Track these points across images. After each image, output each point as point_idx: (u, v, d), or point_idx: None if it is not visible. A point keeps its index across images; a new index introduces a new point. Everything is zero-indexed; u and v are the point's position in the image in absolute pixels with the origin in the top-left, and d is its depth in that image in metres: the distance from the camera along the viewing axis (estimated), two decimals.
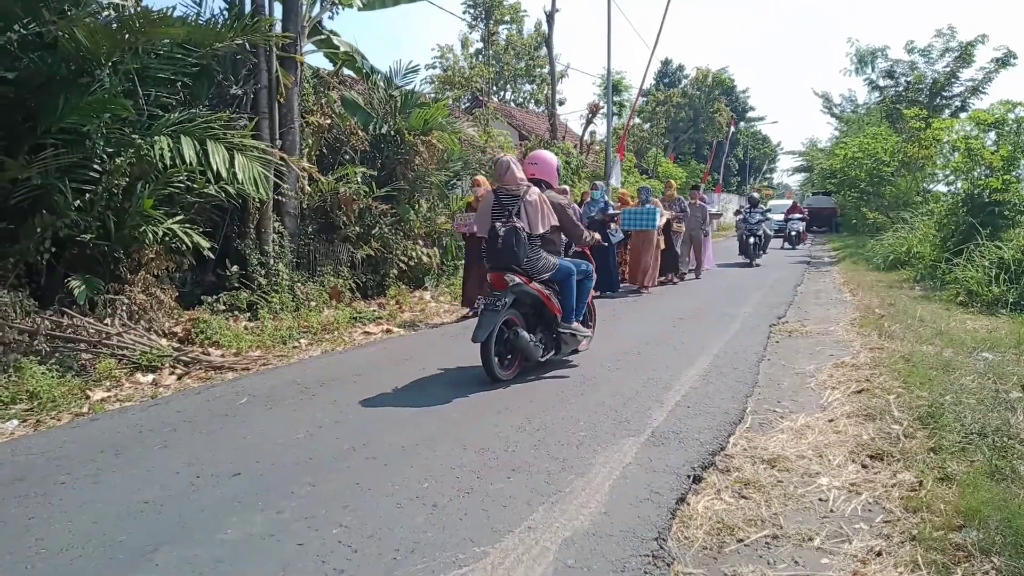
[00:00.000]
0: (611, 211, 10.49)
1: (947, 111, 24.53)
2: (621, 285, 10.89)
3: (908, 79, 25.64)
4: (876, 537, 2.80)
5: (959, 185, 12.40)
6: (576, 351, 5.89)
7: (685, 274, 12.77)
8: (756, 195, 17.03)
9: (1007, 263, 8.76)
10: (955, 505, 2.93)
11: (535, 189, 5.31)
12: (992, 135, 11.81)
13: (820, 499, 3.16)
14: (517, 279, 5.09)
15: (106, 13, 7.28)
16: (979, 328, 7.04)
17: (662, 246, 11.39)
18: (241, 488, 3.21)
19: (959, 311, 8.26)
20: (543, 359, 5.46)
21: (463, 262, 9.27)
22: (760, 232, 15.62)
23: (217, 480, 3.32)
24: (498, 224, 5.11)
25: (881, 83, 26.78)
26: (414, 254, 10.06)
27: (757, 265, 15.01)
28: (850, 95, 31.59)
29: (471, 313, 8.12)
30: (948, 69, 24.69)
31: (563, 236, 5.74)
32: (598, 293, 9.47)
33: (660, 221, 10.89)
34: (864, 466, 3.53)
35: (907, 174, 19.01)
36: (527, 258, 5.13)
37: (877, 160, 19.56)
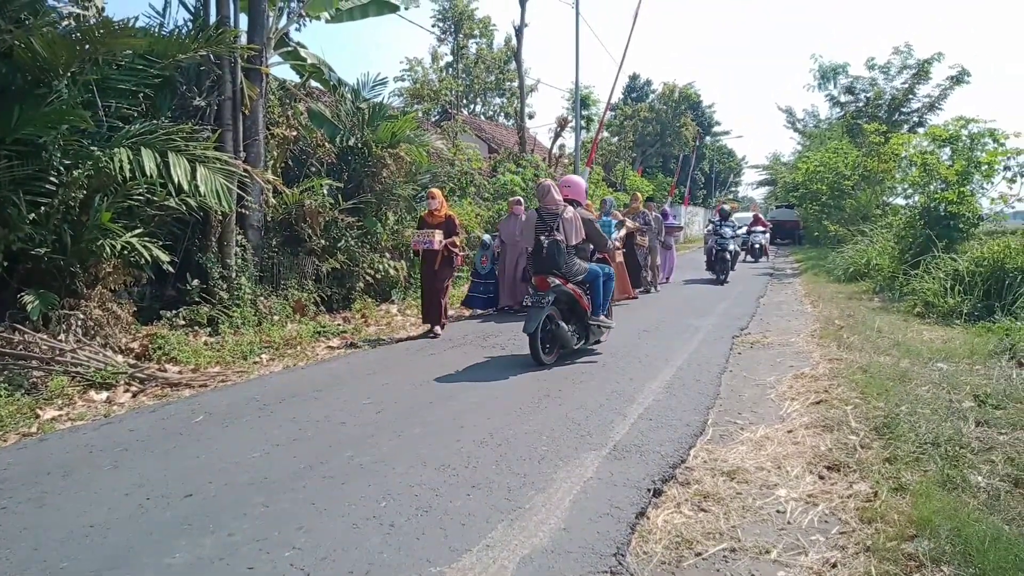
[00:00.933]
0: None
1: (905, 126, 25.22)
2: None
3: (868, 95, 26.35)
4: (832, 549, 2.83)
5: (916, 199, 12.73)
6: (599, 341, 6.97)
7: (648, 289, 12.66)
8: (727, 207, 16.02)
9: (962, 275, 8.99)
10: (908, 515, 2.99)
11: (570, 208, 6.47)
12: (947, 150, 12.14)
13: (778, 511, 3.19)
14: (557, 281, 6.21)
15: (65, 23, 7.16)
16: (935, 338, 7.20)
17: (620, 258, 10.99)
18: (192, 510, 3.13)
19: (916, 322, 8.44)
20: (576, 347, 6.56)
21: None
22: (732, 248, 14.47)
23: (167, 502, 3.23)
24: (542, 237, 6.27)
25: (842, 99, 27.47)
26: (381, 267, 10.00)
27: (726, 282, 13.98)
28: (813, 110, 32.41)
29: (427, 330, 8.06)
30: (906, 85, 25.43)
31: (590, 245, 6.85)
32: None
33: (619, 234, 10.74)
34: (821, 477, 3.58)
35: (867, 188, 19.46)
36: (565, 264, 6.24)
37: (838, 174, 20.01)
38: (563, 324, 6.34)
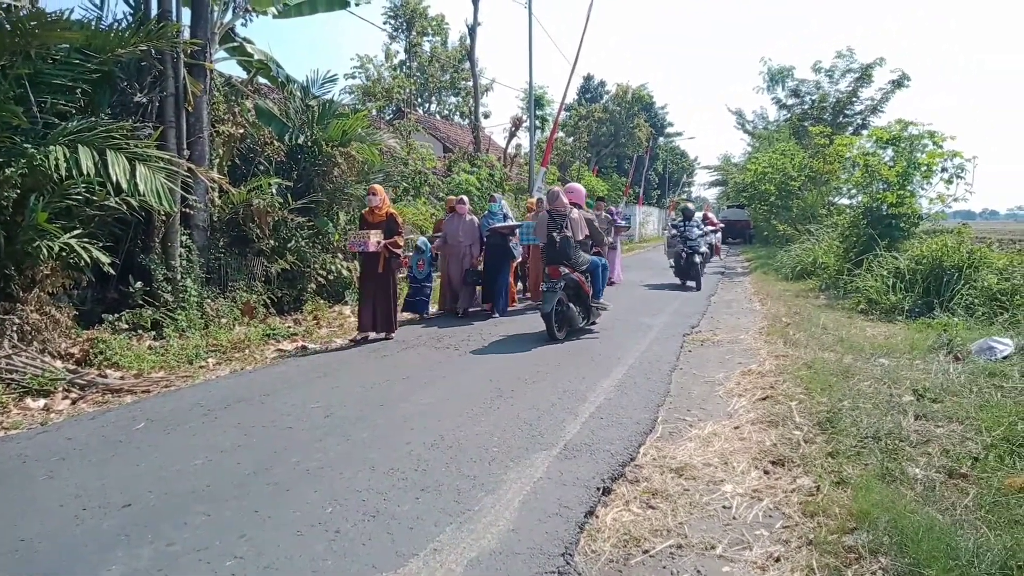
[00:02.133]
0: (510, 222, 10.08)
1: (849, 128, 26.04)
2: (523, 301, 10.72)
3: (813, 98, 27.09)
4: (775, 543, 2.88)
5: (859, 199, 13.13)
6: (595, 322, 8.19)
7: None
8: (690, 206, 14.72)
9: (903, 272, 9.31)
10: (849, 508, 3.07)
11: (575, 209, 7.87)
12: (889, 151, 12.55)
13: (724, 506, 3.24)
14: (566, 270, 7.46)
15: None
16: (877, 335, 7.43)
17: None
18: (130, 520, 3.02)
19: (860, 318, 8.70)
20: (581, 325, 7.89)
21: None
22: (703, 249, 13.21)
23: (105, 512, 3.11)
24: (555, 234, 7.50)
25: (788, 102, 28.19)
26: (333, 268, 9.84)
27: (694, 288, 12.66)
28: (762, 112, 33.11)
29: (361, 337, 7.64)
30: (850, 89, 26.23)
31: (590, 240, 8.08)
32: (497, 314, 9.43)
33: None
34: (766, 472, 3.65)
35: (813, 188, 20.00)
36: (574, 256, 7.52)
37: (785, 175, 20.50)
38: (571, 306, 7.61)
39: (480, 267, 9.70)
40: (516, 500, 3.24)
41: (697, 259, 12.80)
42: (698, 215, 14.27)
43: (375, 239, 7.34)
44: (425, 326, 8.75)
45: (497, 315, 9.46)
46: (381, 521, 3.00)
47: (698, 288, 12.47)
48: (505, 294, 9.85)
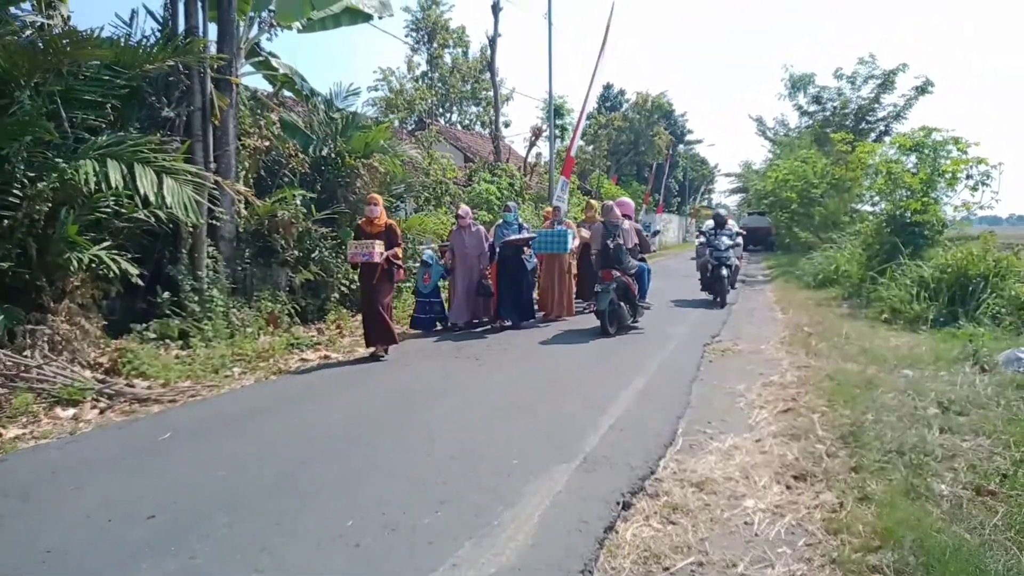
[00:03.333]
0: (526, 234, 9.75)
1: (872, 135, 25.69)
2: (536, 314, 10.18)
3: (835, 105, 26.80)
4: (798, 561, 2.86)
5: (883, 206, 12.97)
6: (637, 320, 9.06)
7: None
8: (724, 212, 12.96)
9: (927, 281, 9.18)
10: (873, 526, 3.03)
11: (627, 220, 9.08)
12: (913, 158, 12.39)
13: (746, 522, 3.22)
14: (618, 273, 8.43)
15: (28, 32, 7.04)
16: (901, 345, 7.33)
17: (574, 271, 10.71)
18: (155, 531, 3.08)
19: (883, 328, 8.59)
20: (628, 323, 8.81)
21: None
22: (733, 261, 11.71)
23: (130, 523, 3.17)
24: (608, 242, 8.50)
25: (810, 109, 27.91)
26: (356, 278, 9.92)
27: (723, 304, 11.33)
28: (783, 118, 32.75)
29: (371, 353, 7.29)
30: (872, 95, 25.91)
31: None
32: (509, 323, 9.20)
33: (573, 244, 10.21)
34: (788, 487, 3.62)
35: (835, 195, 19.76)
36: (624, 261, 8.51)
37: (807, 182, 20.29)
38: (621, 304, 8.57)
39: (488, 279, 9.36)
40: (536, 514, 3.25)
41: (724, 272, 11.37)
42: (731, 223, 13.07)
43: (379, 249, 7.05)
44: (439, 339, 8.55)
45: (510, 325, 9.25)
46: (401, 534, 3.03)
47: (721, 305, 11.20)
48: (530, 307, 9.74)
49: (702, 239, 12.38)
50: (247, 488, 3.58)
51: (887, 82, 25.23)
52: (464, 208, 9.67)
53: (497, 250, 9.41)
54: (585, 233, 10.67)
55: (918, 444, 4.01)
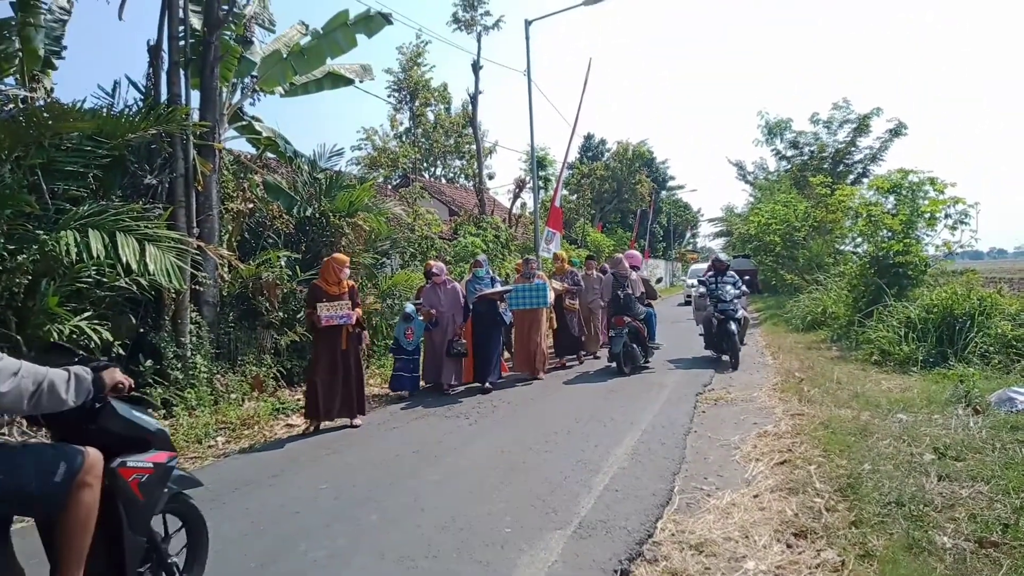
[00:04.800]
0: (499, 287, 9.32)
1: (850, 176, 26.29)
2: (506, 373, 9.65)
3: (812, 149, 27.47)
4: None
5: (865, 247, 13.14)
6: (648, 361, 9.91)
7: (583, 354, 11.24)
8: (724, 256, 11.26)
9: (914, 322, 9.23)
10: None
11: (634, 272, 10.12)
12: (891, 199, 12.61)
13: None
14: (629, 319, 9.41)
15: (11, 106, 7.09)
16: (893, 388, 7.32)
17: (554, 325, 10.34)
18: None
19: (874, 370, 8.58)
20: (640, 363, 9.65)
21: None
22: (740, 314, 10.07)
23: None
24: (619, 292, 9.60)
25: (788, 153, 28.58)
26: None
27: (735, 365, 9.60)
28: (762, 163, 33.44)
29: (311, 427, 6.76)
30: (848, 139, 26.61)
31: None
32: (489, 386, 8.64)
33: (551, 296, 9.76)
34: (789, 545, 3.53)
35: (818, 237, 20.04)
36: (634, 308, 9.54)
37: (789, 225, 20.58)
38: (634, 346, 9.50)
39: (463, 339, 8.79)
40: None
41: (733, 327, 9.70)
42: (700, 266, 12.41)
43: (356, 311, 6.85)
44: (422, 400, 8.29)
45: (490, 386, 8.70)
46: None
47: (734, 366, 9.54)
48: (497, 363, 9.08)
49: (701, 289, 11.05)
50: (230, 571, 3.44)
51: (862, 126, 25.99)
52: (438, 264, 9.28)
53: (471, 307, 8.90)
54: (558, 285, 10.47)
55: (917, 493, 3.95)
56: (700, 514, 4.03)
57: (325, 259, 7.24)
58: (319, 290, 6.83)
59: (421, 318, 8.70)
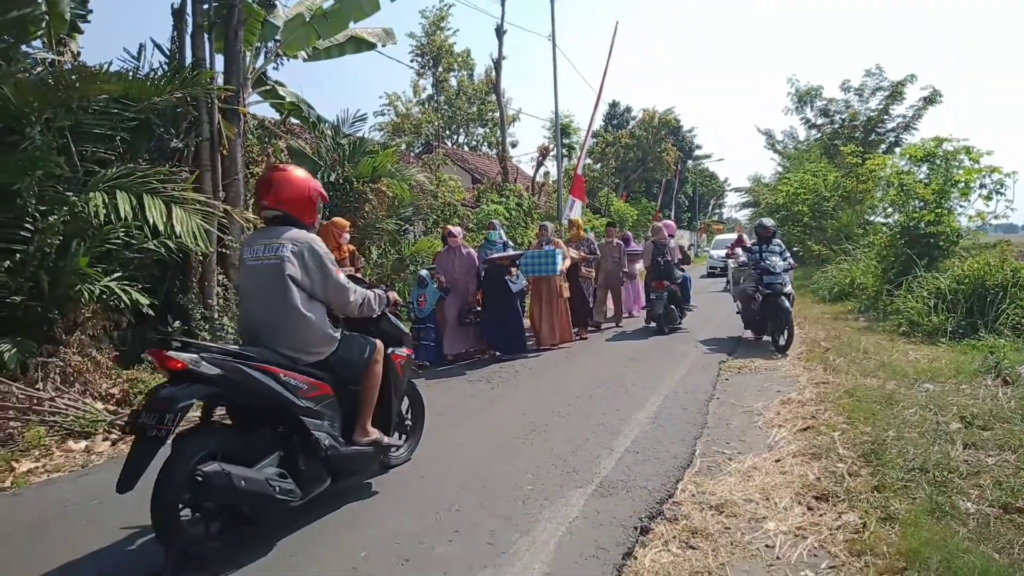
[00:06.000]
0: (510, 251, 9.14)
1: (882, 146, 25.66)
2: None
3: (843, 117, 26.80)
4: None
5: (896, 218, 12.87)
6: (681, 322, 10.82)
7: (601, 324, 11.21)
8: (768, 222, 9.38)
9: (944, 293, 9.06)
10: (897, 546, 2.94)
11: (672, 239, 11.17)
12: (924, 169, 12.31)
13: (767, 545, 3.13)
14: (668, 283, 10.31)
15: (40, 69, 7.15)
16: (920, 358, 7.21)
17: (566, 294, 9.71)
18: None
19: (901, 341, 8.47)
20: (678, 323, 10.69)
21: None
22: (790, 290, 8.59)
23: (147, 556, 3.13)
24: (659, 259, 10.48)
25: (818, 122, 27.93)
26: None
27: (782, 350, 8.19)
28: (791, 131, 32.78)
29: None
30: (881, 107, 25.91)
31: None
32: (498, 353, 8.59)
33: (563, 264, 9.38)
34: (810, 508, 3.53)
35: (847, 207, 19.66)
36: (672, 273, 10.43)
37: (818, 195, 20.19)
38: (672, 308, 10.44)
39: (477, 307, 8.75)
40: (551, 542, 3.18)
41: (786, 303, 8.29)
42: (726, 236, 12.46)
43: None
44: (441, 367, 8.29)
45: (499, 355, 8.60)
46: (415, 565, 2.97)
47: (784, 349, 8.15)
48: (520, 337, 8.86)
49: (741, 258, 9.66)
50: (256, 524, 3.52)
51: (895, 93, 25.27)
52: (456, 228, 9.19)
53: (482, 273, 8.79)
54: (574, 253, 10.11)
55: (941, 461, 3.92)
56: (721, 477, 4.04)
57: (324, 223, 7.14)
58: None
59: (435, 285, 8.57)
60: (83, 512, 3.79)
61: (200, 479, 2.85)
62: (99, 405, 5.91)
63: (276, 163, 9.37)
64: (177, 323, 7.29)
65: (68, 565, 3.11)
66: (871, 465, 3.98)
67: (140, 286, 6.68)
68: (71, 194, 6.25)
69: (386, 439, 3.91)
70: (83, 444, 5.22)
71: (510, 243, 9.67)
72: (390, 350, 4.00)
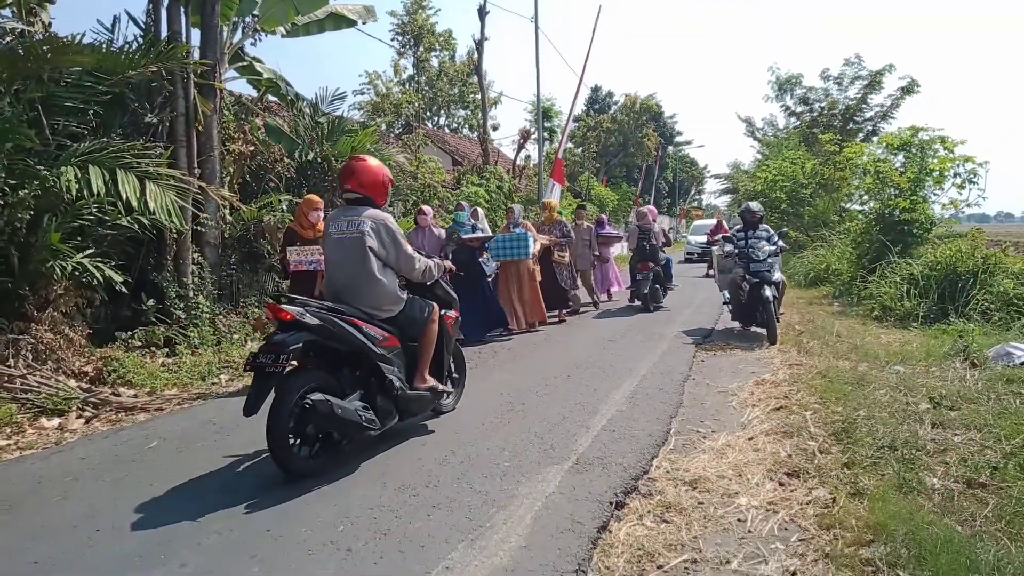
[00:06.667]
0: (480, 233, 8.89)
1: (860, 135, 25.90)
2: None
3: (822, 105, 27.01)
4: (791, 556, 2.83)
5: (872, 205, 13.04)
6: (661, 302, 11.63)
7: (567, 311, 10.68)
8: (754, 205, 9.01)
9: (916, 278, 9.22)
10: (866, 520, 3.02)
11: (656, 224, 11.89)
12: (901, 157, 12.46)
13: (739, 520, 3.19)
14: (653, 264, 11.06)
15: (8, 39, 6.96)
16: (892, 342, 7.35)
17: (539, 277, 9.57)
18: (143, 541, 3.02)
19: (874, 325, 8.62)
20: (661, 301, 11.58)
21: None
22: (776, 277, 8.13)
23: (118, 533, 3.11)
24: (644, 243, 11.18)
25: (797, 109, 28.11)
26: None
27: (773, 339, 7.70)
28: (771, 119, 32.92)
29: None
30: (859, 96, 26.14)
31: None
32: (464, 337, 7.73)
33: (534, 248, 9.23)
34: (781, 484, 3.60)
35: (824, 195, 19.85)
36: (657, 256, 11.23)
37: (796, 182, 20.36)
38: (657, 287, 11.29)
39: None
40: (528, 516, 3.21)
41: (768, 293, 7.78)
42: (704, 222, 12.88)
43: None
44: None
45: (465, 337, 7.89)
46: (393, 539, 2.99)
47: (772, 340, 7.70)
48: (497, 314, 8.76)
49: (728, 247, 8.74)
50: (237, 496, 3.52)
51: (874, 83, 25.51)
52: (427, 207, 9.06)
53: (448, 255, 8.26)
54: (544, 238, 9.97)
55: (910, 439, 4.01)
56: (695, 454, 4.10)
57: (299, 201, 7.00)
58: (293, 234, 6.53)
59: None
60: (57, 488, 3.76)
61: (308, 406, 3.55)
62: (72, 383, 5.84)
63: (253, 139, 9.25)
64: (151, 301, 7.20)
65: (41, 539, 3.08)
66: (842, 443, 4.07)
67: (113, 263, 6.59)
68: (42, 168, 6.14)
69: (440, 386, 4.63)
70: (56, 422, 5.15)
71: (479, 225, 9.35)
72: (443, 312, 4.70)
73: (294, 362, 3.71)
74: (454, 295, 5.08)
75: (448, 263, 5.10)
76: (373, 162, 4.42)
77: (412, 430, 4.65)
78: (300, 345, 3.65)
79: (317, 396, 3.58)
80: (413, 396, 4.32)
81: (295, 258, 6.29)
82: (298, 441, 3.73)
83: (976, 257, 9.00)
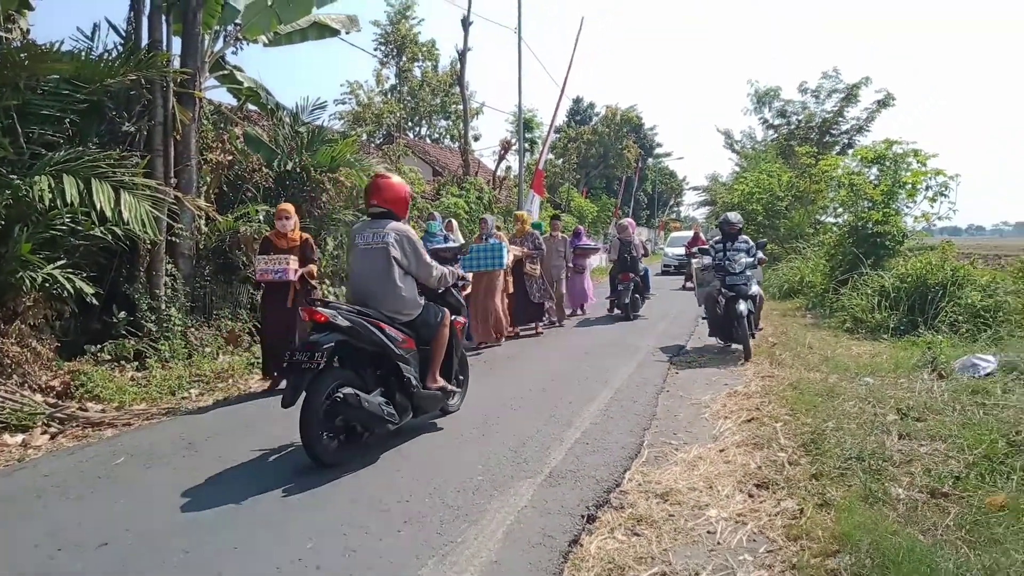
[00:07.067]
0: (451, 244, 8.10)
1: (836, 147, 26.32)
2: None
3: (799, 118, 27.42)
4: (759, 568, 2.87)
5: (845, 217, 13.24)
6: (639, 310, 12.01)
7: (555, 321, 11.17)
8: (733, 216, 8.77)
9: (888, 291, 9.37)
10: (832, 531, 3.06)
11: (636, 237, 12.32)
12: (875, 170, 12.66)
13: (709, 531, 3.22)
14: (632, 275, 11.61)
15: None
16: (863, 353, 7.47)
17: (509, 289, 9.61)
18: (106, 560, 2.97)
19: (846, 337, 8.75)
20: (639, 310, 11.99)
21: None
22: (754, 291, 7.98)
23: (80, 552, 3.05)
24: (625, 254, 11.65)
25: (775, 122, 28.51)
26: (320, 294, 9.79)
27: (748, 355, 7.53)
28: (750, 131, 33.32)
29: (270, 386, 6.53)
30: (836, 109, 26.58)
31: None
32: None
33: (508, 258, 9.14)
34: (751, 495, 3.64)
35: (800, 207, 20.12)
36: (637, 268, 11.74)
37: (772, 195, 20.62)
38: (637, 296, 11.85)
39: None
40: (499, 530, 3.21)
41: (743, 308, 7.62)
42: (682, 234, 13.14)
43: (294, 266, 6.34)
44: None
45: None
46: (362, 556, 2.97)
47: (747, 356, 7.52)
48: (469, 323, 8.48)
49: (707, 259, 8.53)
50: (204, 513, 3.48)
51: (850, 96, 25.93)
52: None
53: None
54: (517, 251, 9.84)
55: (877, 450, 4.07)
56: (667, 466, 4.13)
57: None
58: (269, 243, 6.56)
59: None
60: (18, 506, 3.69)
61: (340, 399, 3.96)
62: (38, 397, 5.74)
63: (231, 149, 9.17)
64: (122, 313, 7.10)
65: (1, 559, 3.02)
66: (810, 454, 4.12)
67: (85, 274, 6.49)
68: (15, 177, 6.05)
69: (449, 386, 5.04)
70: (20, 438, 5.03)
71: (452, 236, 9.10)
72: (453, 317, 5.12)
73: (326, 360, 4.01)
74: (463, 301, 5.56)
75: (460, 271, 5.53)
76: (396, 180, 4.90)
77: (387, 445, 4.63)
78: (332, 344, 4.04)
79: (347, 390, 4.01)
80: (426, 395, 4.71)
81: (261, 267, 6.37)
82: (327, 434, 4.11)
83: (946, 270, 9.16)
